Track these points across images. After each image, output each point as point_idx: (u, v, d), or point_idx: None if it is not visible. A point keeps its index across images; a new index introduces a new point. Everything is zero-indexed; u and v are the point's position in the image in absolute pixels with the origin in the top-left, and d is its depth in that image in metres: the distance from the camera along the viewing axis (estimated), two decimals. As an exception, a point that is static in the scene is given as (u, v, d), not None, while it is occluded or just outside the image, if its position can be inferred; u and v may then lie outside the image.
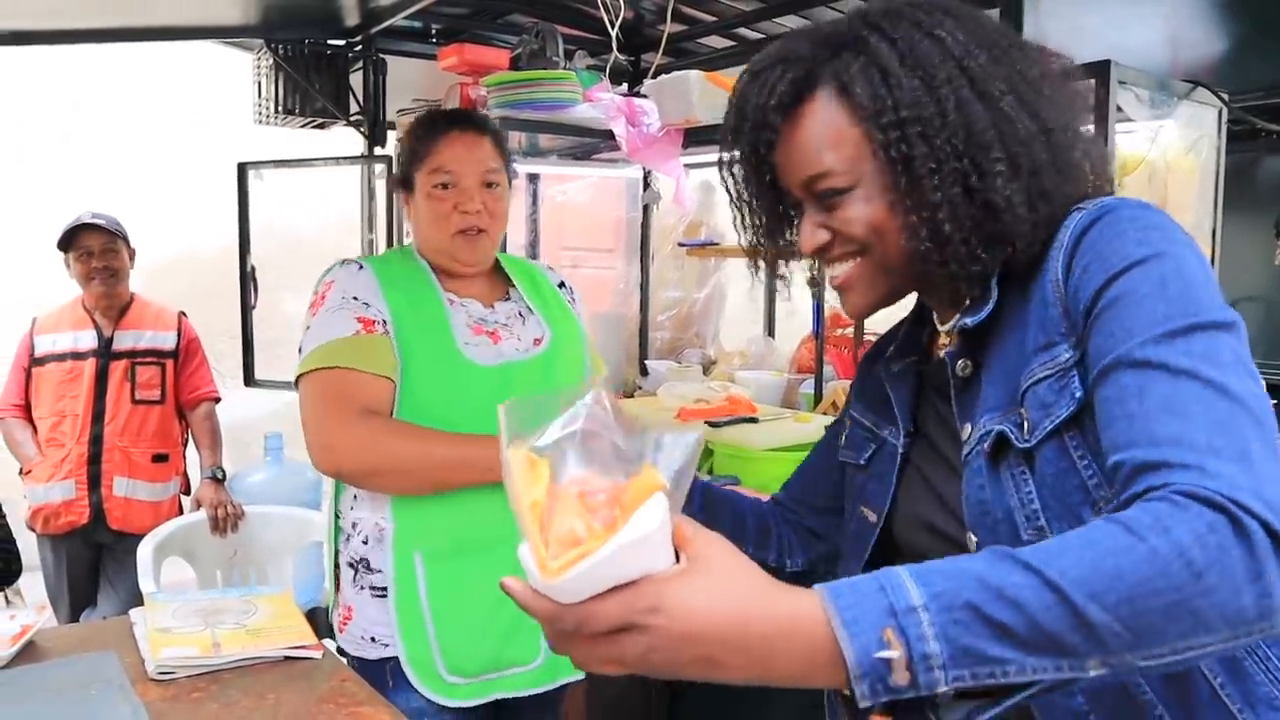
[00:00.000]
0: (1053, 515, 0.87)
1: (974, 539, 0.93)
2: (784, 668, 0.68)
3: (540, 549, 0.66)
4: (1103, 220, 0.88)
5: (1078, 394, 0.85)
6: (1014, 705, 0.69)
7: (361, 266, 1.82)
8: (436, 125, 1.84)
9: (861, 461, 1.13)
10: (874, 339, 1.35)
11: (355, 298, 1.75)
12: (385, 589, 1.72)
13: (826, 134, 0.94)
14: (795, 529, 1.25)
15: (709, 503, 1.21)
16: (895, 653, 0.66)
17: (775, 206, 1.06)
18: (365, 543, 1.75)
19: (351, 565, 1.77)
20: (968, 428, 0.97)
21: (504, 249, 2.17)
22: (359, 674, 1.49)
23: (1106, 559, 0.67)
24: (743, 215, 1.08)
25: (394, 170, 3.50)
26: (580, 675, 1.79)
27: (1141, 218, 0.87)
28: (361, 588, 1.75)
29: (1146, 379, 0.78)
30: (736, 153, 1.02)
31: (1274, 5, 2.75)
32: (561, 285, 2.01)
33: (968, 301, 0.99)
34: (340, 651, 1.74)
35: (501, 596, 1.93)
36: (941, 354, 1.04)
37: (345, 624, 1.77)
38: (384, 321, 1.73)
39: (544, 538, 0.66)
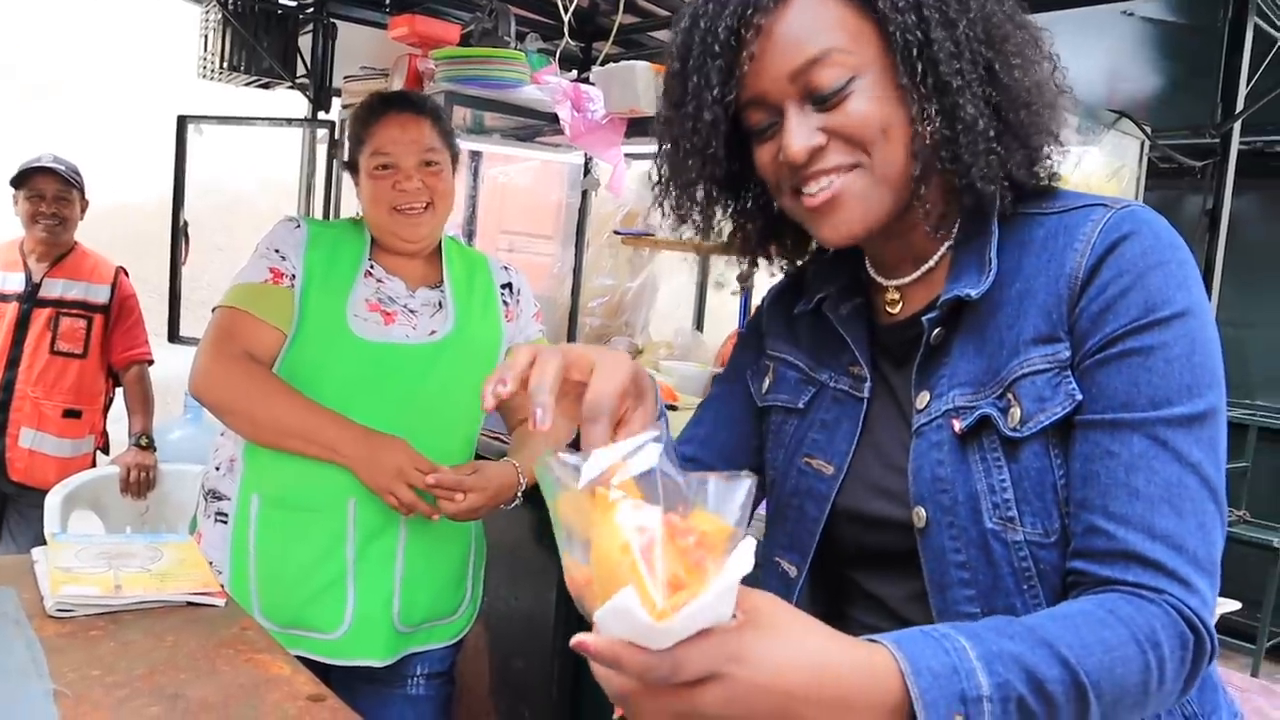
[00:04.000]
0: (1028, 510, 0.88)
1: (923, 513, 0.93)
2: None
3: (648, 591, 0.63)
4: (1142, 235, 0.87)
5: (1076, 396, 0.86)
6: None
7: (299, 225, 1.92)
8: (375, 109, 1.91)
9: (800, 405, 1.07)
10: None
11: (277, 250, 1.86)
12: (227, 517, 1.85)
13: (824, 18, 0.89)
14: None
15: None
16: None
17: (728, 163, 0.97)
18: (218, 469, 1.89)
19: (207, 491, 1.91)
20: (924, 396, 0.95)
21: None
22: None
23: (1118, 667, 0.76)
24: (685, 185, 1.00)
25: (335, 139, 3.51)
26: (387, 661, 1.84)
27: (1180, 248, 0.87)
28: (210, 514, 1.88)
29: (1158, 459, 0.82)
30: (692, 83, 0.93)
31: (1204, 47, 2.87)
32: (507, 287, 2.03)
33: (933, 263, 0.98)
34: None
35: (314, 559, 1.85)
36: (894, 310, 1.02)
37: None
38: (292, 276, 1.83)
39: (651, 579, 0.63)
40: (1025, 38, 0.93)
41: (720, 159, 0.96)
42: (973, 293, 0.92)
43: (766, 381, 1.12)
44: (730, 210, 1.05)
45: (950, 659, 0.72)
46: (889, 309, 1.03)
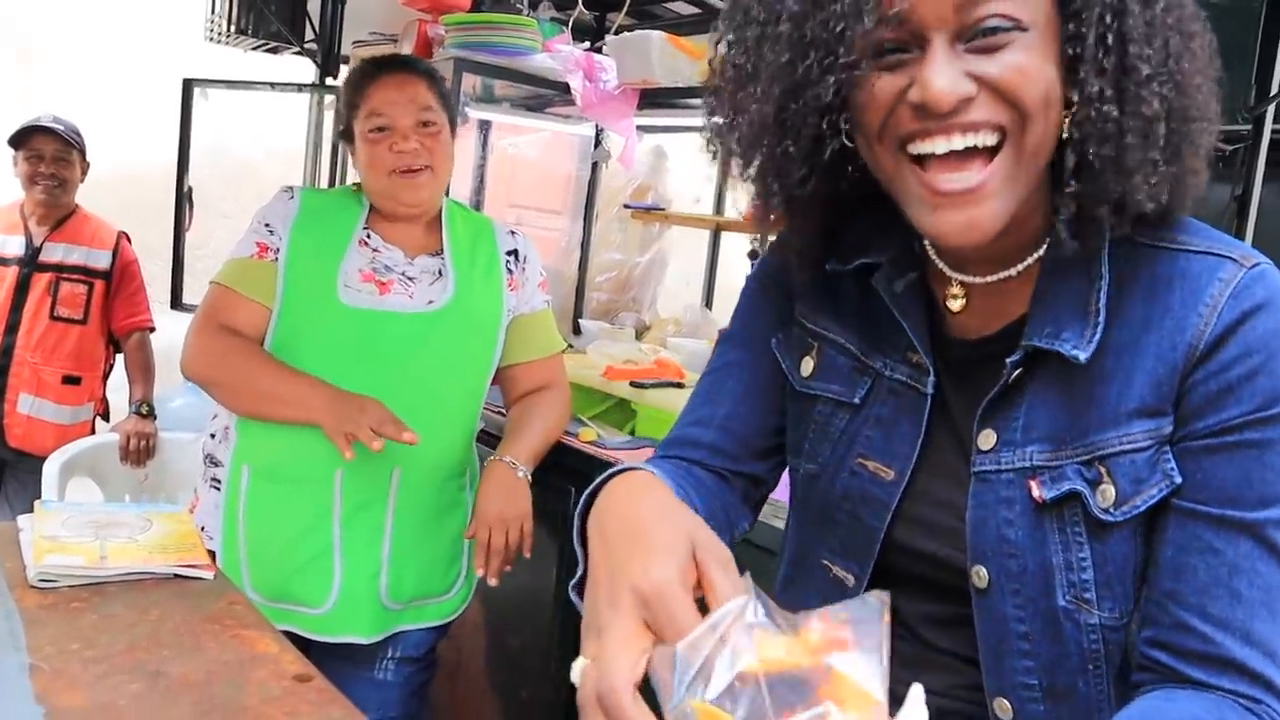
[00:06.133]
0: (1107, 595, 0.81)
1: (984, 574, 0.84)
2: None
3: None
4: (1276, 306, 0.78)
5: (1175, 479, 0.78)
6: None
7: (293, 195, 1.88)
8: (369, 72, 1.88)
9: (856, 400, 0.93)
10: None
11: (267, 224, 1.84)
12: (220, 484, 1.84)
13: None
14: (731, 482, 1.02)
15: None
16: None
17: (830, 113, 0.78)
18: (214, 437, 1.89)
19: (206, 455, 1.91)
20: (989, 435, 0.84)
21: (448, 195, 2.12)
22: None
23: None
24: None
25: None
26: (374, 638, 1.81)
27: None
28: (207, 479, 1.88)
29: (1263, 560, 0.76)
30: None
31: (1237, 28, 2.78)
32: (513, 254, 1.97)
33: (1014, 272, 0.85)
34: None
35: (300, 532, 1.79)
36: (954, 307, 0.89)
37: (193, 510, 1.87)
38: (276, 250, 1.80)
39: None
40: (1208, 44, 0.79)
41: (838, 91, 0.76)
42: (1081, 356, 0.79)
43: (810, 364, 0.97)
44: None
45: None
46: (949, 303, 0.89)
